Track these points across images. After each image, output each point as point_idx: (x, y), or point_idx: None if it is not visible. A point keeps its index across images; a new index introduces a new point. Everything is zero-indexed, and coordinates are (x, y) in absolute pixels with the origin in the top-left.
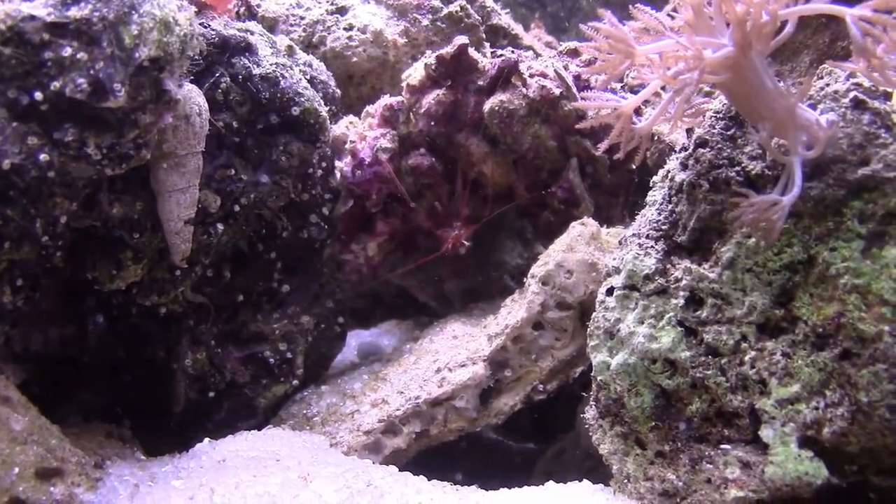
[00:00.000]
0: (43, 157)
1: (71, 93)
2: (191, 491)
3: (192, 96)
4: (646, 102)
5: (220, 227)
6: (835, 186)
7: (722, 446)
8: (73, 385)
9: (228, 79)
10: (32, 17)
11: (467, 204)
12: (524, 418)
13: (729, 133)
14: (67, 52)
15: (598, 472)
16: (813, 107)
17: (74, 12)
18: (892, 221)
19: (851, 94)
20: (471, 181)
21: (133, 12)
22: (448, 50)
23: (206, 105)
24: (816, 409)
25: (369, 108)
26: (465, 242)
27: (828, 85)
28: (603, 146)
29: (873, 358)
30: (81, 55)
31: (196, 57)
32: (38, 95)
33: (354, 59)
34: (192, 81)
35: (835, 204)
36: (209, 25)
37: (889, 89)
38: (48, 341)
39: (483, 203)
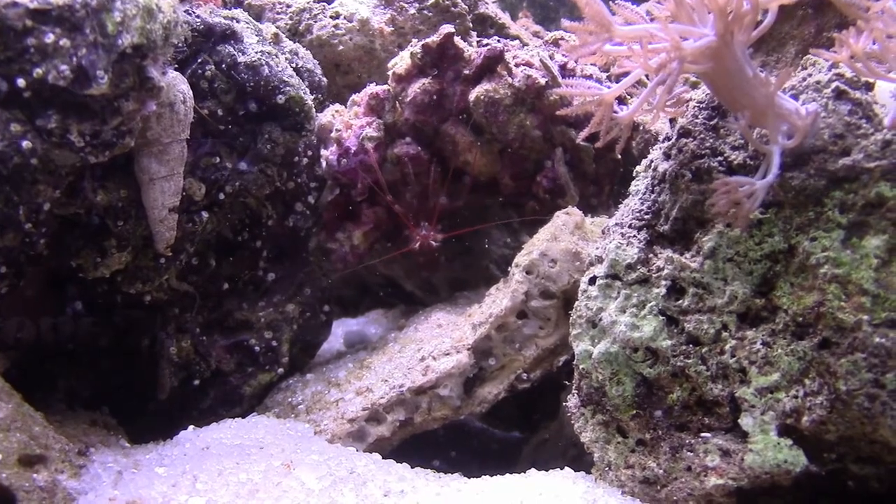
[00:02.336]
0: (26, 144)
1: (54, 79)
2: (174, 478)
3: (177, 84)
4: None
5: (204, 215)
6: (816, 176)
7: (702, 434)
8: (58, 373)
9: (213, 66)
10: (15, 4)
11: (442, 199)
12: (509, 407)
13: (712, 123)
14: (50, 38)
15: (581, 460)
16: (796, 97)
17: None
18: (872, 211)
19: (833, 85)
20: (452, 171)
21: None
22: (434, 39)
23: (191, 93)
24: (796, 397)
25: (355, 97)
26: (434, 242)
27: (810, 75)
28: (584, 133)
29: (852, 347)
30: (64, 42)
31: (180, 44)
32: (21, 82)
33: (341, 47)
34: (176, 69)
35: (816, 194)
36: (194, 13)
37: (871, 79)
38: (38, 329)
39: (467, 192)
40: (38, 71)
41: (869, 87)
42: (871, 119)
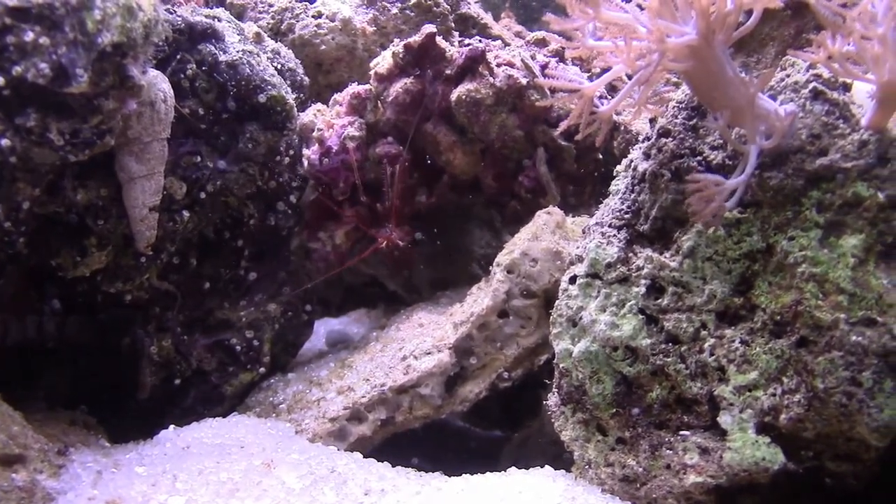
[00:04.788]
0: (5, 142)
1: (33, 77)
2: (154, 478)
3: (157, 82)
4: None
5: (185, 214)
6: (794, 176)
7: (681, 432)
8: (38, 372)
9: (194, 65)
10: None
11: (399, 203)
12: (491, 406)
13: (691, 123)
14: (30, 36)
15: (562, 458)
16: (774, 97)
17: None
18: (849, 211)
19: (811, 85)
20: (434, 170)
21: None
22: (416, 38)
23: (172, 91)
24: (774, 395)
25: (337, 96)
26: (400, 242)
27: (788, 76)
28: (563, 125)
29: (829, 345)
30: (44, 40)
31: (161, 43)
32: (0, 80)
33: (323, 46)
34: (157, 67)
35: (794, 193)
36: (175, 11)
37: (848, 80)
38: (18, 328)
39: (444, 191)
40: (18, 69)
41: (846, 87)
42: (848, 119)
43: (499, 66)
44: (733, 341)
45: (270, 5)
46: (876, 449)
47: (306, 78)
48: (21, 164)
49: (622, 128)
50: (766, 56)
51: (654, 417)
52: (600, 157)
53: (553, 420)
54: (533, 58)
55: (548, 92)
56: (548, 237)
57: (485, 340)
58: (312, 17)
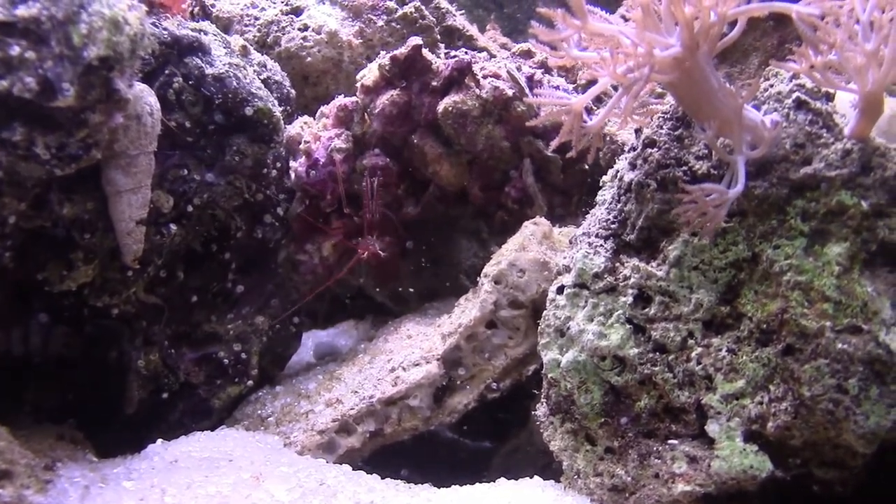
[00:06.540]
0: None
1: (19, 92)
2: (142, 492)
3: (144, 96)
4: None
5: (172, 227)
6: (778, 185)
7: (669, 441)
8: (24, 386)
9: (181, 78)
10: None
11: (375, 215)
12: (481, 416)
13: (676, 133)
14: (15, 50)
15: (551, 468)
16: (757, 107)
17: (23, 11)
18: (833, 219)
19: (794, 95)
20: (421, 181)
21: (82, 11)
22: (402, 51)
23: (158, 105)
24: (761, 403)
25: (324, 109)
26: (381, 253)
27: (772, 86)
28: (554, 143)
29: (815, 353)
30: (30, 54)
31: (147, 56)
32: None
33: (309, 59)
34: (143, 81)
35: (778, 202)
36: (161, 25)
37: (831, 90)
38: (5, 342)
39: (436, 203)
40: (4, 83)
41: (829, 97)
42: (831, 129)
43: (485, 77)
44: (720, 350)
45: (257, 18)
46: (863, 455)
47: (293, 90)
48: (7, 178)
49: (608, 138)
50: (749, 66)
51: (642, 426)
52: (586, 167)
53: (542, 430)
54: (519, 69)
55: (536, 108)
56: (535, 248)
57: (473, 351)
58: (299, 29)
